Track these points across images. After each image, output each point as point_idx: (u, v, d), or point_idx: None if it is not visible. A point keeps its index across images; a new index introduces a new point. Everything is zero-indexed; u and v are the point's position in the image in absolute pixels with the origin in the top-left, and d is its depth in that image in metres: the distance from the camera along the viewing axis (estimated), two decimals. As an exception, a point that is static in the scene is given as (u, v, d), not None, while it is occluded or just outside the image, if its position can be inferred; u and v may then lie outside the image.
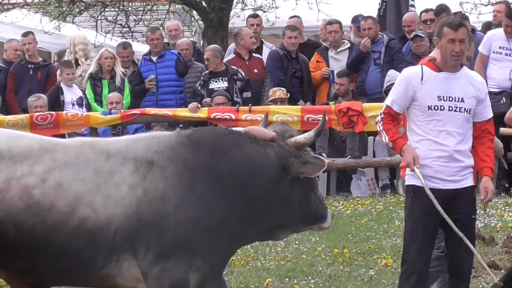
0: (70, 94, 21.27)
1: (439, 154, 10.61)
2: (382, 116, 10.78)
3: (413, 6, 24.07)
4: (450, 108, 10.59)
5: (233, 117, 20.42)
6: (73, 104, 21.22)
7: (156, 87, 21.72)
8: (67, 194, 9.59)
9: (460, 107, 10.61)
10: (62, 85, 21.32)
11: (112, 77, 21.62)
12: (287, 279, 14.30)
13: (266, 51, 22.28)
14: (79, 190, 9.61)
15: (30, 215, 9.58)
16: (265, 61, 22.04)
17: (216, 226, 9.74)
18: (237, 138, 9.99)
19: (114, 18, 31.16)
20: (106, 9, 30.83)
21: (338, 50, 22.15)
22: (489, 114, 10.81)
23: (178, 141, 9.94)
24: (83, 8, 30.35)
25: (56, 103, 21.09)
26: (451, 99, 10.62)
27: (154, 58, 22.12)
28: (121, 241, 9.64)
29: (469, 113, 10.65)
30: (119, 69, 21.73)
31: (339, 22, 22.71)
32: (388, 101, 10.84)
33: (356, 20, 22.89)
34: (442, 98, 10.60)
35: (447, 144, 10.60)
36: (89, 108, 21.29)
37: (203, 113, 20.66)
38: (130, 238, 9.64)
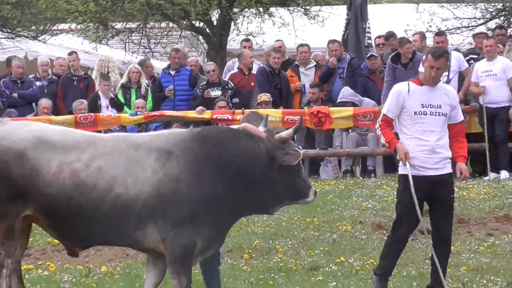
0: (105, 100, 21.42)
1: (424, 148, 10.78)
2: (380, 123, 10.99)
3: (369, 32, 24.09)
4: (431, 113, 10.79)
5: (230, 117, 20.54)
6: (107, 107, 21.37)
7: (174, 95, 21.84)
8: (106, 176, 9.61)
9: (439, 112, 10.82)
10: (99, 92, 21.48)
11: (138, 87, 21.69)
12: (270, 241, 14.37)
13: (255, 67, 22.31)
14: (115, 173, 9.62)
15: (78, 193, 9.60)
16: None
17: (217, 202, 9.73)
18: (236, 134, 9.97)
19: (139, 41, 31.16)
20: (133, 35, 30.85)
21: (307, 67, 22.25)
22: (461, 117, 11.05)
23: (190, 136, 9.94)
24: (114, 33, 30.39)
25: (94, 107, 21.22)
26: (431, 106, 10.80)
27: (172, 72, 22.15)
28: (146, 213, 9.61)
29: (446, 117, 10.85)
30: (144, 81, 21.78)
31: (307, 45, 22.85)
32: (384, 110, 11.04)
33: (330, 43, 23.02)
34: (424, 105, 10.79)
35: (429, 140, 10.80)
36: (120, 110, 21.45)
37: (207, 114, 20.82)
38: (152, 211, 9.64)
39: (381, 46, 22.74)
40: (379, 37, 23.20)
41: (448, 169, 10.97)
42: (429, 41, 22.85)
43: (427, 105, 10.83)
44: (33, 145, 9.76)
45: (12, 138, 9.79)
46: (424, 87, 10.91)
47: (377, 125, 11.07)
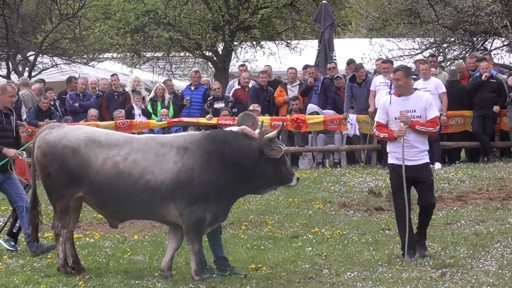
0: (138, 110, 21.24)
1: (405, 145, 10.57)
2: (376, 127, 10.84)
3: (335, 59, 23.89)
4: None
5: (231, 122, 20.40)
6: (139, 115, 21.19)
7: (190, 104, 21.47)
8: (139, 166, 9.72)
9: (414, 115, 10.61)
10: (133, 104, 21.27)
11: (162, 100, 21.50)
12: (262, 215, 14.26)
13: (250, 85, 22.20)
14: (146, 164, 9.73)
15: (118, 178, 9.73)
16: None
17: (222, 185, 9.79)
18: (237, 135, 10.04)
19: (163, 66, 31.12)
20: (159, 61, 30.80)
21: (293, 85, 21.96)
22: (433, 114, 10.64)
23: (203, 136, 10.04)
24: (145, 60, 30.35)
25: (130, 115, 21.03)
26: (407, 111, 10.59)
27: (192, 88, 21.84)
28: (168, 194, 9.72)
29: (420, 118, 10.60)
30: (167, 96, 21.57)
31: (295, 68, 22.57)
32: (377, 118, 10.90)
33: (305, 67, 22.84)
34: (402, 111, 10.57)
35: (408, 138, 10.57)
36: (149, 117, 21.21)
37: (214, 120, 20.64)
38: (173, 192, 9.73)
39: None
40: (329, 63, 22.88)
41: (425, 160, 10.72)
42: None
43: (404, 111, 10.61)
44: (84, 143, 9.94)
45: (69, 138, 10.02)
46: (401, 97, 10.73)
47: (374, 129, 10.94)
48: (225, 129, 10.83)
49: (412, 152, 10.63)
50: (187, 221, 9.76)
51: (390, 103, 10.74)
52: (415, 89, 11.03)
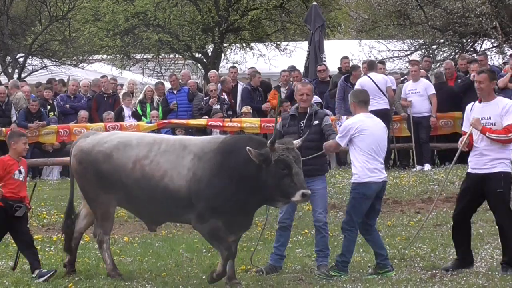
0: (128, 111, 21.24)
1: (476, 152, 10.08)
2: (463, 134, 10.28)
3: (325, 61, 23.87)
4: (483, 124, 10.03)
5: (221, 124, 20.45)
6: (129, 117, 21.19)
7: (177, 108, 21.58)
8: (160, 169, 9.69)
9: (488, 122, 9.98)
10: (123, 106, 21.26)
11: (152, 102, 21.54)
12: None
13: (239, 87, 22.18)
14: (167, 167, 9.69)
15: (143, 180, 9.72)
16: (239, 94, 22.07)
17: (229, 197, 9.50)
18: (247, 142, 9.64)
19: (153, 68, 31.13)
20: (148, 63, 30.80)
21: (286, 87, 21.77)
22: (507, 122, 9.93)
23: (216, 147, 9.74)
24: (135, 62, 30.35)
25: (119, 116, 21.03)
26: (483, 118, 10.00)
27: (175, 91, 21.96)
28: (185, 202, 9.62)
29: (495, 125, 9.96)
30: (156, 97, 21.65)
31: (288, 71, 22.40)
32: (463, 127, 10.50)
33: (292, 68, 22.87)
34: (477, 118, 10.08)
35: (478, 147, 10.03)
36: (138, 119, 21.19)
37: (203, 122, 20.66)
38: (189, 201, 9.61)
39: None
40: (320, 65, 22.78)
41: (496, 169, 10.00)
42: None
43: (481, 118, 10.08)
44: (117, 148, 9.97)
45: (102, 144, 10.07)
46: (481, 103, 10.18)
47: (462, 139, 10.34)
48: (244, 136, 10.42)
49: (483, 160, 10.07)
50: (203, 234, 9.82)
51: (471, 109, 10.27)
52: (499, 94, 10.35)
